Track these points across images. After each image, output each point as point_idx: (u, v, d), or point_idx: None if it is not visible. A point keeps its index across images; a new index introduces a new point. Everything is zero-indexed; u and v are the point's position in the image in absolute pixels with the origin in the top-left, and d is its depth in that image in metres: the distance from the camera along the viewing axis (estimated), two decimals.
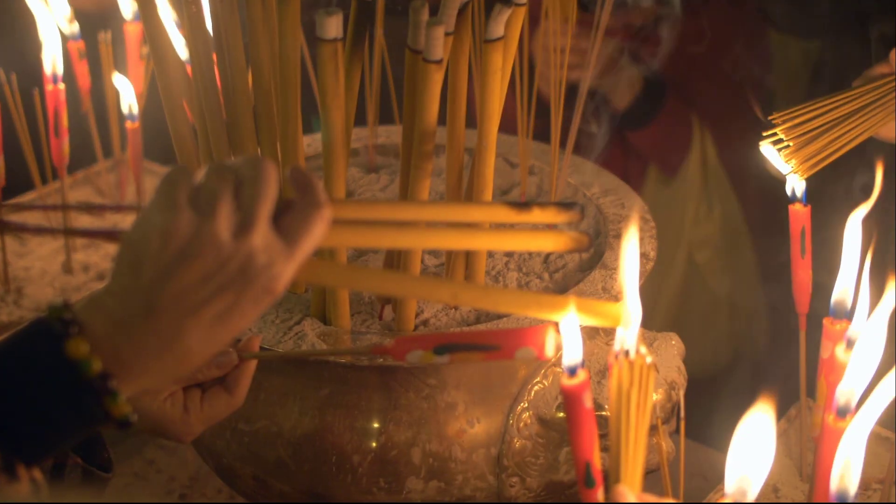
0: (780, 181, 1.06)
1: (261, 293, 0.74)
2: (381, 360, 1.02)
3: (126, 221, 1.43)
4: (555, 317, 0.81)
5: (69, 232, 0.80)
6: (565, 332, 0.84)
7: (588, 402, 0.85)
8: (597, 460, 0.87)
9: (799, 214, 1.07)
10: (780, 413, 1.19)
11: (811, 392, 1.11)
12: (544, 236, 0.84)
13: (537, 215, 0.84)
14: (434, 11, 0.95)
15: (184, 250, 0.72)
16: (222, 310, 0.73)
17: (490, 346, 0.87)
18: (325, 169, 0.99)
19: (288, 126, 1.04)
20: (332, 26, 0.90)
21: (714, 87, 1.82)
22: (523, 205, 0.84)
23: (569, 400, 0.85)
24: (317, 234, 0.75)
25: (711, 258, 1.89)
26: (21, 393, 0.71)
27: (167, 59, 1.09)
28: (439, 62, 0.92)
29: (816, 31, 1.61)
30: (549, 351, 0.86)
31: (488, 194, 1.04)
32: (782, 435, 1.16)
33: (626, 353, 0.80)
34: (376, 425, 1.06)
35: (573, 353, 0.85)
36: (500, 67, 0.97)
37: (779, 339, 1.19)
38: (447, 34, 0.93)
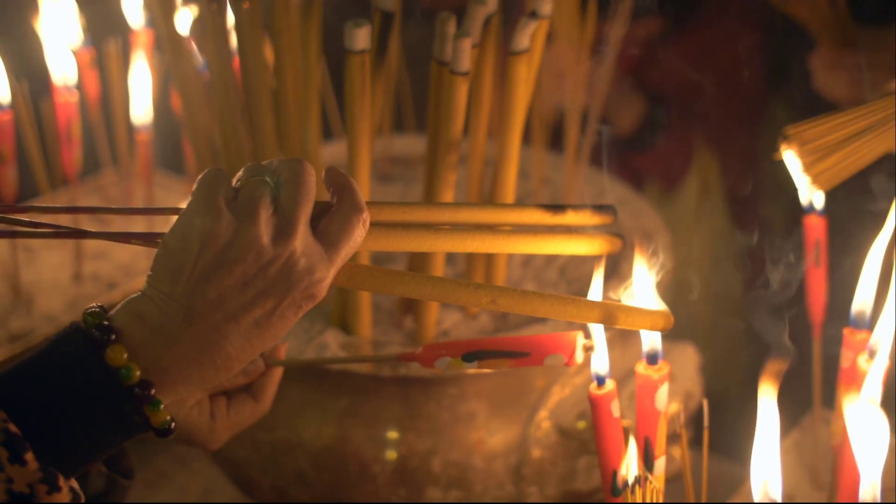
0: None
1: (301, 298, 0.73)
2: (404, 369, 1.03)
3: (134, 227, 1.43)
4: (594, 322, 0.81)
5: (106, 236, 0.79)
6: (596, 339, 0.85)
7: (616, 412, 0.86)
8: (623, 468, 0.87)
9: (814, 225, 1.09)
10: (793, 422, 1.20)
11: (825, 401, 1.12)
12: (579, 239, 0.84)
13: (571, 217, 0.85)
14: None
15: (224, 255, 0.71)
16: (262, 315, 0.72)
17: (519, 352, 0.88)
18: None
19: (309, 136, 1.05)
20: (361, 38, 0.91)
21: (718, 110, 1.82)
22: (557, 207, 0.84)
23: (596, 409, 0.86)
24: (356, 237, 0.75)
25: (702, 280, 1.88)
26: (60, 402, 0.70)
27: (187, 70, 1.09)
28: (466, 74, 0.93)
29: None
30: (579, 357, 0.87)
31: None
32: (796, 444, 1.17)
33: (637, 480, 0.81)
34: (396, 435, 1.07)
35: (602, 361, 0.86)
36: (525, 79, 0.98)
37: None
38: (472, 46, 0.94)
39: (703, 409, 0.92)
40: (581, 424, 1.07)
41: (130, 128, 1.49)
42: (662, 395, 0.86)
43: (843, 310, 1.06)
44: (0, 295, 1.36)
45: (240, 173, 0.74)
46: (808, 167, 0.95)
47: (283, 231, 0.72)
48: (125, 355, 0.70)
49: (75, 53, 1.42)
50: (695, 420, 1.13)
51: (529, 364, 0.88)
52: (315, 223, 0.74)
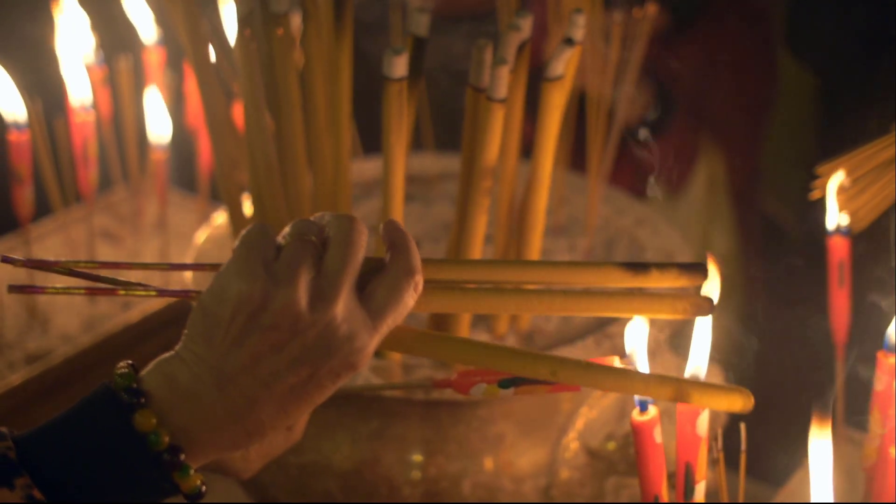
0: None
1: (340, 367, 0.70)
2: (435, 392, 1.03)
3: (147, 248, 1.43)
4: (664, 399, 0.79)
5: (144, 291, 0.78)
6: (638, 365, 0.85)
7: (658, 437, 0.87)
8: (665, 494, 0.88)
9: (838, 246, 1.09)
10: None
11: (855, 423, 1.13)
12: (661, 302, 0.77)
13: (656, 278, 0.77)
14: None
15: (257, 319, 0.68)
16: (297, 383, 0.70)
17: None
18: (384, 206, 1.00)
19: (340, 157, 1.05)
20: (400, 65, 0.91)
21: (726, 108, 1.83)
22: (640, 266, 0.77)
23: (639, 435, 0.87)
24: (406, 303, 0.71)
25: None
26: (86, 467, 0.68)
27: (214, 93, 1.09)
28: (503, 101, 0.93)
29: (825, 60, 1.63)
30: None
31: (539, 230, 1.06)
32: None
33: None
34: (426, 458, 1.07)
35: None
36: (559, 105, 0.98)
37: (808, 366, 1.21)
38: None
39: (741, 431, 0.92)
40: (611, 445, 1.07)
41: (142, 145, 1.49)
42: (703, 421, 0.86)
43: (864, 330, 1.07)
44: (16, 315, 1.35)
45: (286, 229, 0.71)
46: (844, 204, 0.95)
47: (325, 295, 0.68)
48: (154, 420, 0.69)
49: (88, 71, 1.42)
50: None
51: (566, 389, 0.87)
52: (363, 283, 0.71)
